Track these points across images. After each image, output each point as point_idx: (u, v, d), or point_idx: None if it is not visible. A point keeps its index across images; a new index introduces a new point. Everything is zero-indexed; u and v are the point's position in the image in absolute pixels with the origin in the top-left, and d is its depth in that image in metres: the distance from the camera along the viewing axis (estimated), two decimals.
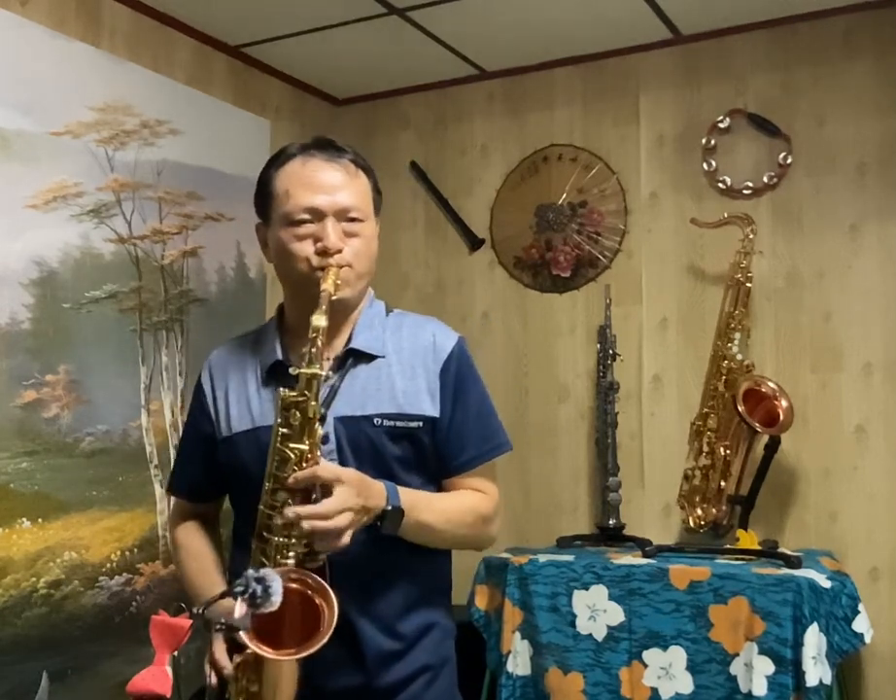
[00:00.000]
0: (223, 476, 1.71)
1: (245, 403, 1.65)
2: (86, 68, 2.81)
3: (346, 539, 1.43)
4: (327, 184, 1.60)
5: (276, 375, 1.63)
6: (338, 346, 1.64)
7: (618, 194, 3.49)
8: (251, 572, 1.34)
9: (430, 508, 1.59)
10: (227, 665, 1.45)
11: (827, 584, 2.61)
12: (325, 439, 1.54)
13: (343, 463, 1.56)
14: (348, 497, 1.43)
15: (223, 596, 1.38)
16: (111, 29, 2.94)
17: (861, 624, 2.65)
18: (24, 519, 2.56)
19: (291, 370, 1.48)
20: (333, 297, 1.52)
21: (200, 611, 1.40)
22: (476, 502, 1.67)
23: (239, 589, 1.32)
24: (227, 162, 3.29)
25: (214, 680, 1.45)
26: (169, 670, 1.51)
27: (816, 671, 2.50)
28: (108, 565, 2.78)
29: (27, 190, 2.61)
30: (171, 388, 3.04)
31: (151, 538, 2.92)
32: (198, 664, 1.70)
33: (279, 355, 1.64)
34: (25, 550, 2.55)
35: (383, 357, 1.64)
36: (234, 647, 1.43)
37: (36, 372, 2.63)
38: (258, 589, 1.31)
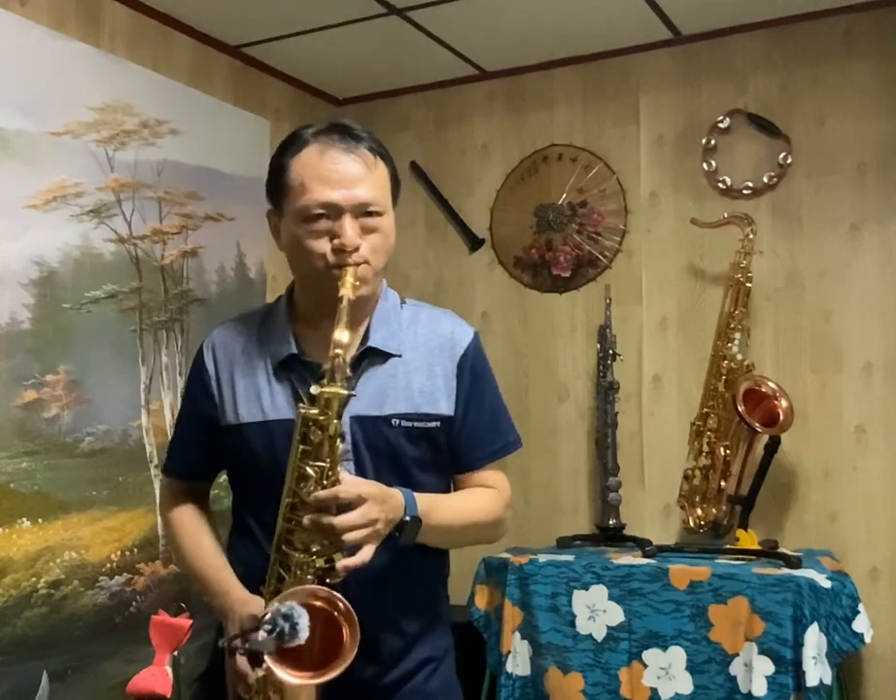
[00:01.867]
0: (221, 458, 1.67)
1: (254, 393, 1.60)
2: (86, 68, 2.81)
3: (368, 553, 1.41)
4: (345, 177, 1.52)
5: (288, 367, 1.59)
6: (354, 342, 1.59)
7: (618, 194, 3.49)
8: (277, 607, 1.32)
9: (445, 512, 1.57)
10: (250, 674, 1.42)
11: (827, 584, 2.61)
12: (340, 438, 1.50)
13: (359, 462, 1.54)
14: (369, 510, 1.40)
15: (252, 631, 1.35)
16: (111, 29, 2.94)
17: (861, 624, 2.65)
18: (24, 519, 2.56)
19: (312, 389, 1.41)
20: (352, 298, 1.47)
21: (228, 644, 1.39)
22: (488, 499, 1.66)
23: (267, 627, 1.31)
24: (227, 162, 3.29)
25: (244, 688, 1.42)
26: (169, 670, 1.51)
27: (816, 671, 2.50)
28: (108, 565, 2.78)
29: (27, 190, 2.61)
30: (171, 388, 3.04)
31: (151, 538, 2.92)
32: (198, 664, 1.71)
33: (293, 348, 1.60)
34: (25, 550, 2.55)
35: (399, 356, 1.61)
36: (255, 658, 1.41)
37: (36, 372, 2.63)
38: (286, 627, 1.30)
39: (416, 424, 1.58)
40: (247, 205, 3.33)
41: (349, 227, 1.52)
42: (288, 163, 1.56)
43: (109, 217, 2.86)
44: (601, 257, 3.50)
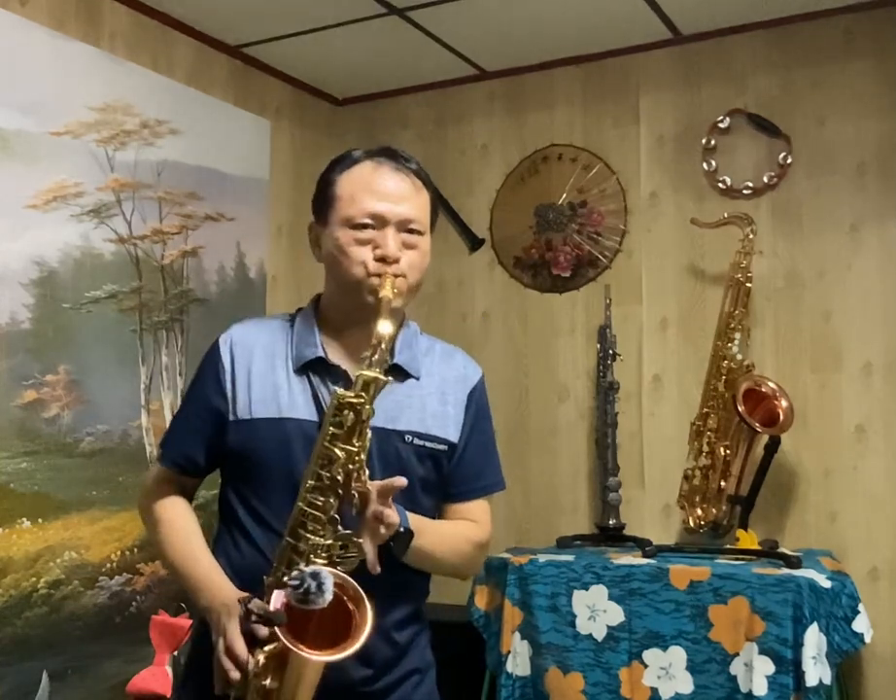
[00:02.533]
0: (220, 455, 1.67)
1: (271, 390, 1.62)
2: (86, 68, 2.81)
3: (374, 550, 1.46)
4: (393, 192, 1.62)
5: (310, 370, 1.63)
6: None
7: (618, 194, 3.49)
8: (304, 567, 1.34)
9: (432, 535, 1.61)
10: (248, 658, 1.41)
11: (827, 584, 2.61)
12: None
13: (370, 472, 1.55)
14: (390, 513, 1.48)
15: (276, 586, 1.37)
16: (111, 29, 2.94)
17: (861, 624, 2.65)
18: (24, 519, 2.56)
19: (356, 374, 1.48)
20: (393, 305, 1.54)
21: (245, 605, 1.39)
22: (471, 532, 1.72)
23: (295, 583, 1.32)
24: (227, 162, 3.29)
25: (236, 674, 1.40)
26: (169, 670, 1.52)
27: (816, 671, 2.50)
28: (108, 565, 2.78)
29: (27, 190, 2.61)
30: (171, 388, 3.04)
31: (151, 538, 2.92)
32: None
33: (320, 352, 1.64)
34: (25, 550, 2.55)
35: (417, 378, 1.67)
36: (252, 640, 1.40)
37: (36, 372, 2.63)
38: (313, 585, 1.32)
39: (427, 444, 1.64)
40: (247, 205, 3.33)
41: (391, 238, 1.60)
42: (337, 178, 1.65)
43: (109, 217, 2.86)
44: (601, 257, 3.50)
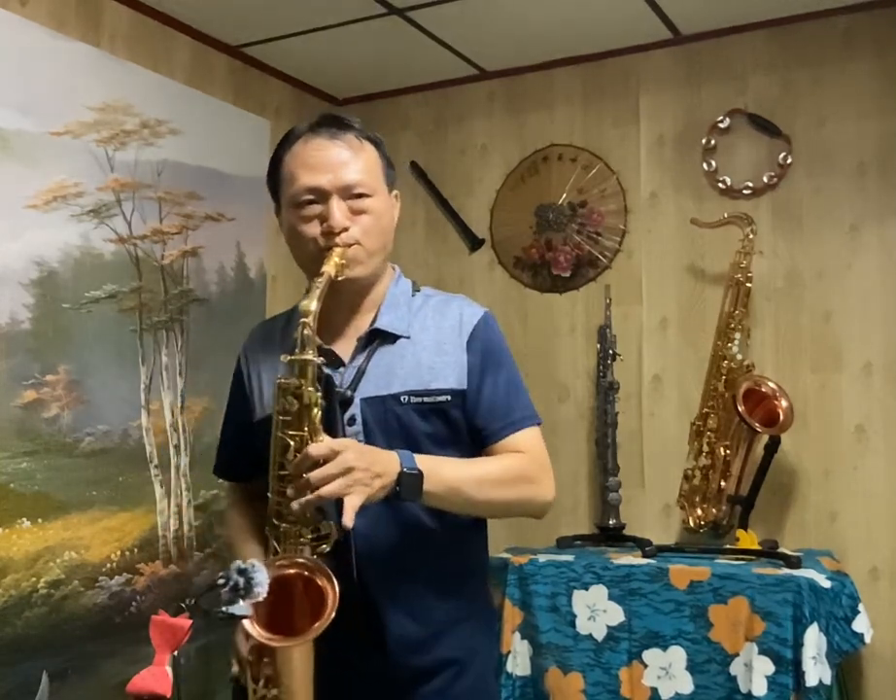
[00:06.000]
0: (260, 456, 1.69)
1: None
2: (86, 68, 2.81)
3: (355, 501, 1.38)
4: (329, 162, 1.58)
5: None
6: (363, 326, 1.64)
7: (618, 194, 3.49)
8: (236, 563, 1.33)
9: (458, 470, 1.55)
10: (244, 646, 1.44)
11: (827, 584, 2.61)
12: (351, 421, 1.55)
13: (371, 442, 1.55)
14: (343, 459, 1.38)
15: (211, 588, 1.37)
16: (111, 29, 2.94)
17: (861, 624, 2.65)
18: (24, 519, 2.56)
19: (281, 358, 1.47)
20: (340, 278, 1.52)
21: (193, 601, 1.39)
22: (514, 461, 1.64)
23: (221, 581, 1.32)
24: (227, 162, 3.28)
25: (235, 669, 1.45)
26: (169, 670, 1.51)
27: (816, 671, 2.50)
28: (108, 565, 2.78)
29: (27, 190, 2.61)
30: (171, 388, 3.04)
31: (151, 538, 2.92)
32: (198, 664, 1.71)
33: None
34: (25, 550, 2.55)
35: (407, 337, 1.62)
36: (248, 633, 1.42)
37: (36, 372, 2.63)
38: (241, 581, 1.31)
39: (425, 400, 1.59)
40: (247, 205, 3.33)
41: (336, 209, 1.57)
42: (282, 157, 1.64)
43: (109, 217, 2.85)
44: (601, 257, 3.50)
